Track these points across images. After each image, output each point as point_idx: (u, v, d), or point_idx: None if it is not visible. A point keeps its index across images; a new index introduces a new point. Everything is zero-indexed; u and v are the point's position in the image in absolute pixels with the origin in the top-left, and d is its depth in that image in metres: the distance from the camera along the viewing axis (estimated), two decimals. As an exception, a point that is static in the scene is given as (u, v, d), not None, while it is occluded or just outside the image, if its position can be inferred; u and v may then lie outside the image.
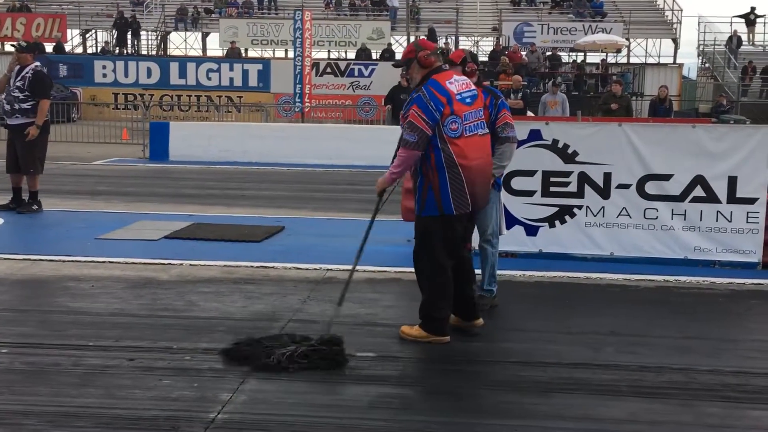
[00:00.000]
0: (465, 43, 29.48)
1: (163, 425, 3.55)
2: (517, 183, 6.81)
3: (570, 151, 6.75)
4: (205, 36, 30.90)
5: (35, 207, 8.97)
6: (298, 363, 4.25)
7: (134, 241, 7.52)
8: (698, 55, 29.76)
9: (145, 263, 6.57)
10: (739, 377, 4.26)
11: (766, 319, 5.52)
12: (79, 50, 30.31)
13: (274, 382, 4.09)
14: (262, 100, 23.15)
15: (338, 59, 27.63)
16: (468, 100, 4.65)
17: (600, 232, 6.81)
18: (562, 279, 6.32)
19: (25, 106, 8.71)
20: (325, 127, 18.46)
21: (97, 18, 30.41)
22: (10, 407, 3.72)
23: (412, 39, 26.69)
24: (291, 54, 23.24)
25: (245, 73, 25.79)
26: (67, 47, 29.41)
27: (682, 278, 6.31)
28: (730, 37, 27.91)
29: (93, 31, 30.75)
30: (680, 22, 28.75)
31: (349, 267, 6.45)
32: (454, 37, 28.73)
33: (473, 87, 4.77)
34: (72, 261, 6.62)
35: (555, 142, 6.76)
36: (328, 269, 6.48)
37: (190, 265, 6.55)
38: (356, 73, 25.56)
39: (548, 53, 26.64)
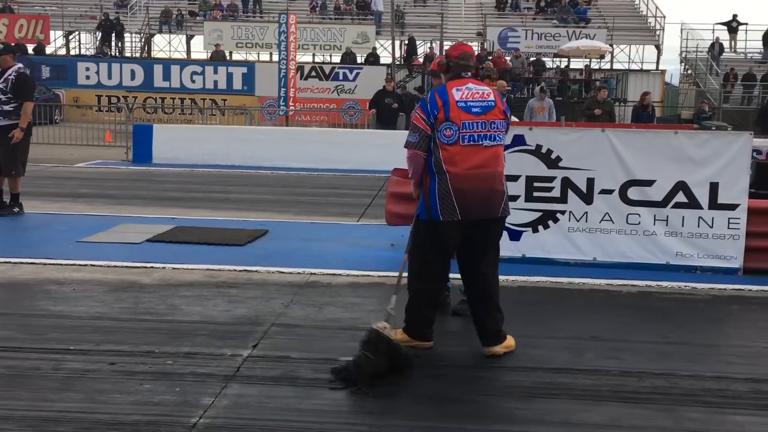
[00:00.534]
0: (450, 49, 29.49)
1: (144, 430, 3.53)
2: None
3: (553, 156, 6.78)
4: (189, 38, 30.79)
5: (16, 210, 8.89)
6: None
7: (116, 244, 7.46)
8: (681, 62, 30.01)
9: (127, 266, 6.51)
10: (719, 382, 4.28)
11: (747, 325, 5.55)
12: (63, 52, 30.09)
13: (257, 386, 4.06)
14: (246, 103, 23.13)
15: (323, 63, 27.63)
16: (475, 110, 4.53)
17: (583, 237, 6.85)
18: (545, 284, 6.34)
19: (7, 108, 8.65)
20: (309, 130, 18.44)
21: (80, 20, 30.22)
22: (-11, 412, 3.68)
23: (397, 43, 26.80)
24: (276, 57, 23.19)
25: (230, 76, 25.74)
26: (50, 49, 29.20)
27: (664, 283, 6.34)
28: (712, 44, 28.18)
29: (76, 32, 30.54)
30: (663, 29, 29.01)
31: (333, 271, 6.50)
32: (438, 42, 28.76)
33: (490, 98, 4.58)
34: (53, 264, 6.56)
35: (538, 147, 6.78)
36: (311, 273, 6.46)
37: (173, 268, 6.51)
38: (341, 77, 25.58)
39: (532, 59, 26.77)
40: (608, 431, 3.67)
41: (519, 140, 6.79)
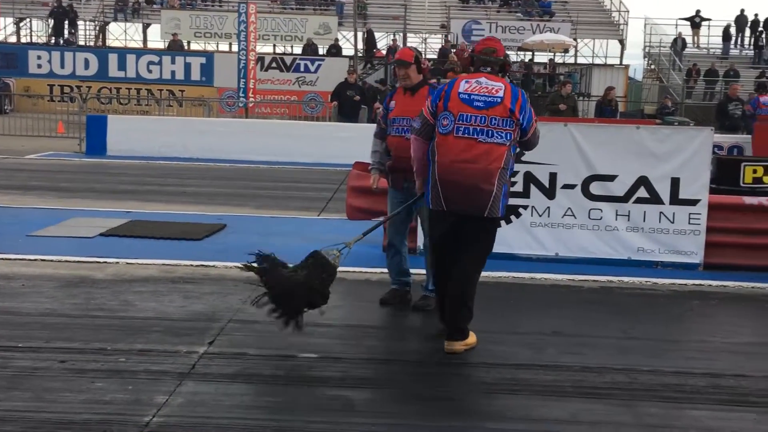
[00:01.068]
0: (413, 41, 29.46)
1: (95, 429, 3.44)
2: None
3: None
4: (145, 27, 30.15)
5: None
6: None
7: (68, 238, 7.26)
8: (644, 57, 30.34)
9: (79, 261, 6.35)
10: (679, 377, 4.31)
11: (706, 320, 5.60)
12: (13, 39, 29.25)
13: (212, 384, 4.00)
14: (205, 94, 22.76)
15: (284, 54, 27.30)
16: (477, 103, 4.51)
17: (545, 232, 6.83)
18: (507, 279, 6.32)
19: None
20: (269, 123, 18.22)
21: (32, 6, 29.40)
22: (-68, 412, 3.53)
23: (360, 35, 26.60)
24: (235, 48, 22.87)
25: (187, 67, 25.26)
26: (-1, 36, 28.43)
27: (626, 279, 6.36)
28: (675, 39, 28.44)
29: (27, 19, 29.70)
30: (627, 24, 29.24)
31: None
32: (401, 34, 28.69)
33: (498, 94, 4.53)
34: (1, 259, 6.35)
35: (501, 141, 6.73)
36: (270, 268, 6.33)
37: (127, 263, 6.36)
38: (302, 69, 25.30)
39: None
40: (568, 427, 3.67)
41: (482, 134, 6.73)
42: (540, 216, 6.83)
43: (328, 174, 12.80)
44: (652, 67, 29.80)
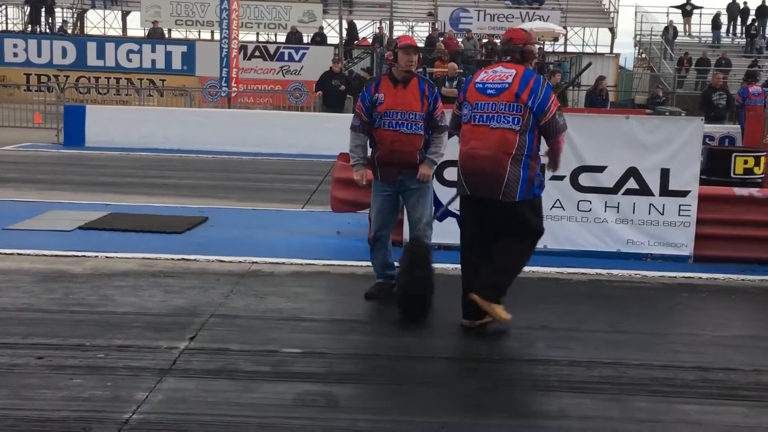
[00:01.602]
0: (400, 29, 29.25)
1: (73, 427, 3.38)
2: (450, 174, 6.67)
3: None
4: (125, 14, 29.78)
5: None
6: None
7: (46, 231, 7.12)
8: (635, 45, 30.26)
9: (57, 255, 6.22)
10: (668, 371, 4.27)
11: (696, 313, 5.54)
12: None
13: (194, 380, 3.93)
14: (186, 84, 22.51)
15: (267, 42, 27.05)
16: (490, 91, 4.67)
17: (533, 224, 6.74)
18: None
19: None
20: (252, 113, 18.05)
21: (7, -7, 28.95)
22: None
23: (345, 23, 26.39)
24: (217, 36, 22.60)
25: (168, 55, 24.94)
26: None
27: (615, 271, 6.29)
28: (666, 28, 28.34)
29: (3, 6, 29.20)
30: (617, 12, 29.16)
31: (276, 260, 6.28)
32: (388, 22, 28.47)
33: (507, 80, 4.63)
34: (-24, 253, 6.20)
35: (488, 132, 6.64)
36: (253, 262, 6.23)
37: (106, 257, 6.23)
38: (286, 57, 25.07)
39: (485, 40, 26.64)
40: (555, 422, 3.63)
41: (469, 124, 6.64)
42: (528, 208, 6.73)
43: (313, 165, 12.69)
44: (643, 56, 29.67)
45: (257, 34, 28.45)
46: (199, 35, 28.65)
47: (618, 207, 6.65)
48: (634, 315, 5.31)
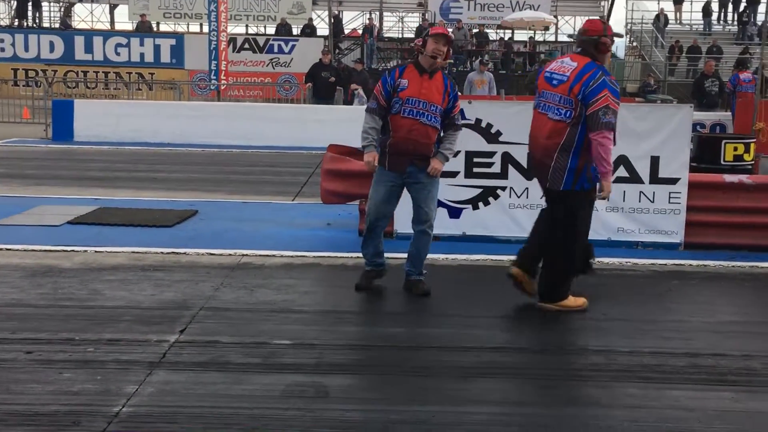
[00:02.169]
0: (390, 19, 29.10)
1: (63, 420, 3.38)
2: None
3: (493, 130, 6.65)
4: (113, 8, 29.55)
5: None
6: None
7: (34, 226, 7.06)
8: (626, 34, 30.16)
9: (46, 250, 6.19)
10: (657, 357, 4.29)
11: (686, 300, 5.55)
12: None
13: (184, 373, 3.93)
14: (175, 77, 22.39)
15: (257, 35, 26.92)
16: (554, 82, 4.86)
17: (524, 213, 6.73)
18: (486, 262, 6.24)
19: None
20: (242, 105, 17.98)
21: (-7, -12, 28.72)
22: None
23: (334, 13, 26.22)
24: (206, 29, 22.47)
25: (157, 49, 24.79)
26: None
27: (606, 259, 6.27)
28: (657, 16, 28.26)
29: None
30: (608, 0, 29.08)
31: (266, 252, 6.26)
32: (378, 13, 28.35)
33: (566, 72, 4.80)
34: (-36, 249, 6.16)
35: (478, 121, 6.63)
36: (243, 255, 6.22)
37: (95, 251, 6.20)
38: (276, 50, 24.97)
39: (475, 30, 26.55)
40: (545, 409, 3.63)
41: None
42: (518, 197, 6.74)
43: (304, 157, 12.65)
44: (634, 44, 29.60)
45: (246, 26, 28.33)
46: (188, 28, 28.52)
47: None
48: (624, 302, 5.33)
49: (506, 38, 27.76)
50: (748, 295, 5.72)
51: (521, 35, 28.41)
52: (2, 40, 24.82)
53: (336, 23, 26.57)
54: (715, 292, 5.71)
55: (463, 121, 6.58)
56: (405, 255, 6.04)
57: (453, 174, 6.68)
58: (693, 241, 6.62)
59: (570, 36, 28.10)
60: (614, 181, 6.53)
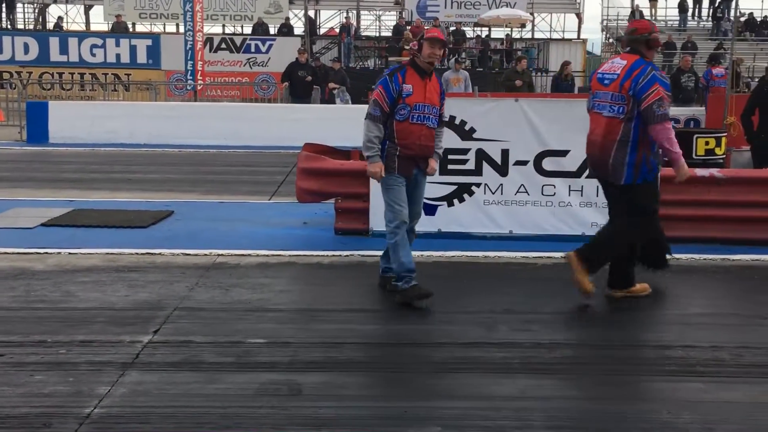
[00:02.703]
0: (367, 18, 29.09)
1: (34, 422, 3.37)
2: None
3: (467, 127, 6.67)
4: (88, 8, 29.28)
5: None
6: None
7: (7, 229, 7.00)
8: (602, 30, 30.37)
9: (19, 253, 6.14)
10: (627, 350, 4.34)
11: (657, 293, 5.50)
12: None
13: (157, 373, 3.93)
14: (152, 77, 22.20)
15: (233, 34, 26.78)
16: (605, 81, 5.08)
17: (499, 210, 6.78)
18: (461, 258, 6.26)
19: None
20: (218, 106, 17.90)
21: (-33, -12, 28.32)
22: None
23: (311, 13, 26.13)
24: (182, 29, 22.32)
25: (133, 49, 24.54)
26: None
27: (579, 254, 6.35)
28: (633, 12, 28.45)
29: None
30: (583, -3, 29.30)
31: (241, 252, 6.24)
32: (355, 11, 28.31)
33: (616, 71, 5.00)
34: (-65, 253, 6.10)
35: (452, 118, 6.64)
36: (218, 254, 6.20)
37: (69, 253, 6.16)
38: (253, 49, 24.81)
39: (452, 28, 26.58)
40: (516, 403, 3.68)
41: (432, 111, 6.66)
42: (493, 194, 6.77)
43: (281, 157, 12.61)
44: (611, 40, 29.80)
45: (223, 26, 28.19)
46: (164, 28, 28.30)
47: (582, 190, 6.70)
48: (598, 296, 5.34)
49: (483, 36, 27.83)
50: (717, 288, 5.80)
51: (498, 33, 28.50)
52: (-24, 42, 24.51)
53: (311, 23, 26.49)
54: (686, 285, 5.77)
55: (441, 119, 6.68)
56: (380, 252, 6.06)
57: (428, 171, 6.70)
58: (666, 235, 6.66)
59: (551, 35, 28.30)
60: (587, 176, 6.63)
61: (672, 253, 5.64)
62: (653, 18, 29.73)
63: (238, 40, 25.12)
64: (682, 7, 29.17)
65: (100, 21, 28.25)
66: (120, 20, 26.11)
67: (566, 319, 4.91)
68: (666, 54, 26.34)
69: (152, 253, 6.19)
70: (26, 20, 28.30)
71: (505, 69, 22.02)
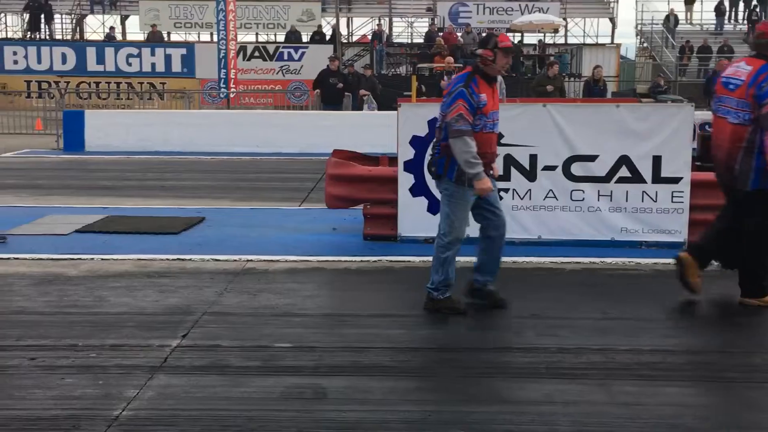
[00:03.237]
0: (399, 25, 29.17)
1: (63, 424, 3.43)
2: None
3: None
4: (124, 19, 29.84)
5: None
6: None
7: (42, 236, 7.13)
8: (636, 35, 30.05)
9: (53, 259, 6.26)
10: (656, 355, 4.29)
11: (688, 298, 5.52)
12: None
13: (184, 376, 3.97)
14: (186, 86, 22.55)
15: (267, 42, 27.06)
16: (730, 86, 5.03)
17: (527, 215, 6.74)
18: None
19: None
20: (250, 113, 18.05)
21: (5, 1, 29.01)
22: None
23: (343, 20, 26.29)
24: (216, 37, 22.63)
25: (168, 58, 24.97)
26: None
27: (609, 260, 6.29)
28: (667, 16, 28.11)
29: (2, 14, 29.30)
30: (617, 1, 29.05)
31: (270, 257, 6.29)
32: (387, 19, 28.40)
33: (741, 77, 4.95)
34: (-27, 259, 6.24)
35: (480, 124, 6.64)
36: (248, 260, 6.26)
37: (102, 259, 6.27)
38: (286, 57, 25.10)
39: (484, 34, 26.45)
40: (541, 408, 3.66)
41: (460, 117, 6.65)
42: (521, 199, 6.74)
43: (312, 163, 12.67)
44: (645, 45, 29.47)
45: (256, 34, 28.48)
46: (199, 37, 28.71)
47: (611, 195, 6.64)
48: (626, 302, 5.32)
49: (515, 41, 27.68)
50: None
51: (530, 38, 28.37)
52: (15, 52, 25.11)
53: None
54: (717, 290, 5.65)
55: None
56: (410, 258, 6.10)
57: (456, 177, 6.70)
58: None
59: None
60: (617, 181, 6.60)
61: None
62: (689, 22, 29.39)
63: (271, 48, 25.39)
64: (719, 11, 28.74)
65: (136, 31, 28.77)
66: (155, 30, 26.55)
67: (593, 324, 4.85)
68: (701, 58, 26.00)
69: (183, 259, 6.27)
70: (64, 31, 28.87)
71: (537, 74, 21.87)
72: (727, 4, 28.95)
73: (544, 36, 27.80)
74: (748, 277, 5.18)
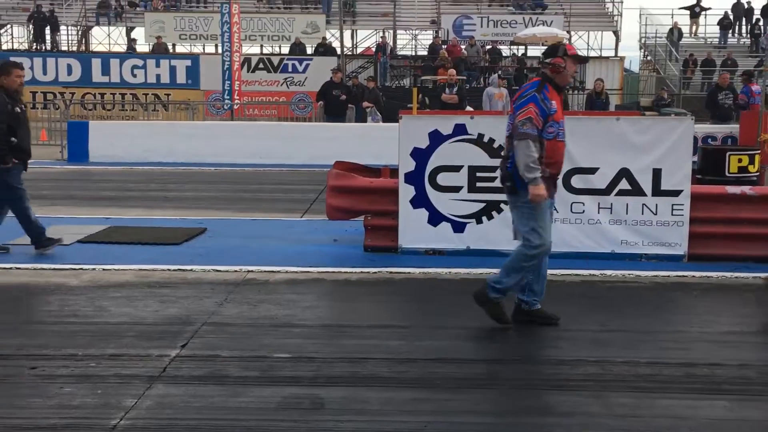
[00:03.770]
0: (403, 37, 29.32)
1: None
2: (443, 179, 6.73)
3: (496, 145, 6.67)
4: (129, 30, 29.98)
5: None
6: None
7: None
8: (640, 48, 30.12)
9: (54, 269, 6.30)
10: (653, 367, 4.30)
11: (687, 311, 5.55)
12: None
13: (182, 386, 3.99)
14: (191, 97, 22.60)
15: (271, 54, 27.17)
16: None
17: (527, 227, 6.75)
18: (489, 276, 6.24)
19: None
20: (254, 124, 18.11)
21: (12, 12, 29.20)
22: None
23: (347, 34, 26.42)
24: (221, 49, 22.75)
25: (173, 70, 25.06)
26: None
27: (608, 272, 6.29)
28: (671, 30, 28.16)
29: (8, 26, 29.48)
30: (621, 15, 28.96)
31: (271, 268, 6.31)
32: (391, 31, 28.53)
33: None
34: (-25, 269, 6.27)
35: (480, 136, 6.67)
36: (248, 271, 6.28)
37: (103, 269, 6.30)
38: (290, 69, 25.15)
39: (488, 47, 26.60)
40: (537, 419, 3.67)
41: (460, 129, 6.69)
42: (521, 211, 6.75)
43: (315, 175, 12.68)
44: (648, 58, 29.51)
45: (261, 46, 28.61)
46: (204, 49, 28.82)
47: (611, 208, 6.65)
48: (625, 314, 5.33)
49: (519, 54, 27.81)
50: (747, 306, 5.69)
51: (534, 51, 28.44)
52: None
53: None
54: (716, 303, 5.71)
55: (467, 136, 6.70)
56: (410, 270, 6.10)
57: (456, 189, 6.73)
58: (697, 252, 6.59)
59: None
60: (617, 194, 6.61)
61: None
62: (693, 35, 29.49)
63: (275, 60, 25.47)
64: (723, 24, 28.82)
65: (141, 42, 28.92)
66: (160, 41, 26.70)
67: (591, 336, 4.86)
68: (705, 71, 26.05)
69: (183, 270, 6.29)
70: (69, 42, 29.03)
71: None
72: (731, 17, 29.05)
73: (548, 49, 27.80)
74: None
